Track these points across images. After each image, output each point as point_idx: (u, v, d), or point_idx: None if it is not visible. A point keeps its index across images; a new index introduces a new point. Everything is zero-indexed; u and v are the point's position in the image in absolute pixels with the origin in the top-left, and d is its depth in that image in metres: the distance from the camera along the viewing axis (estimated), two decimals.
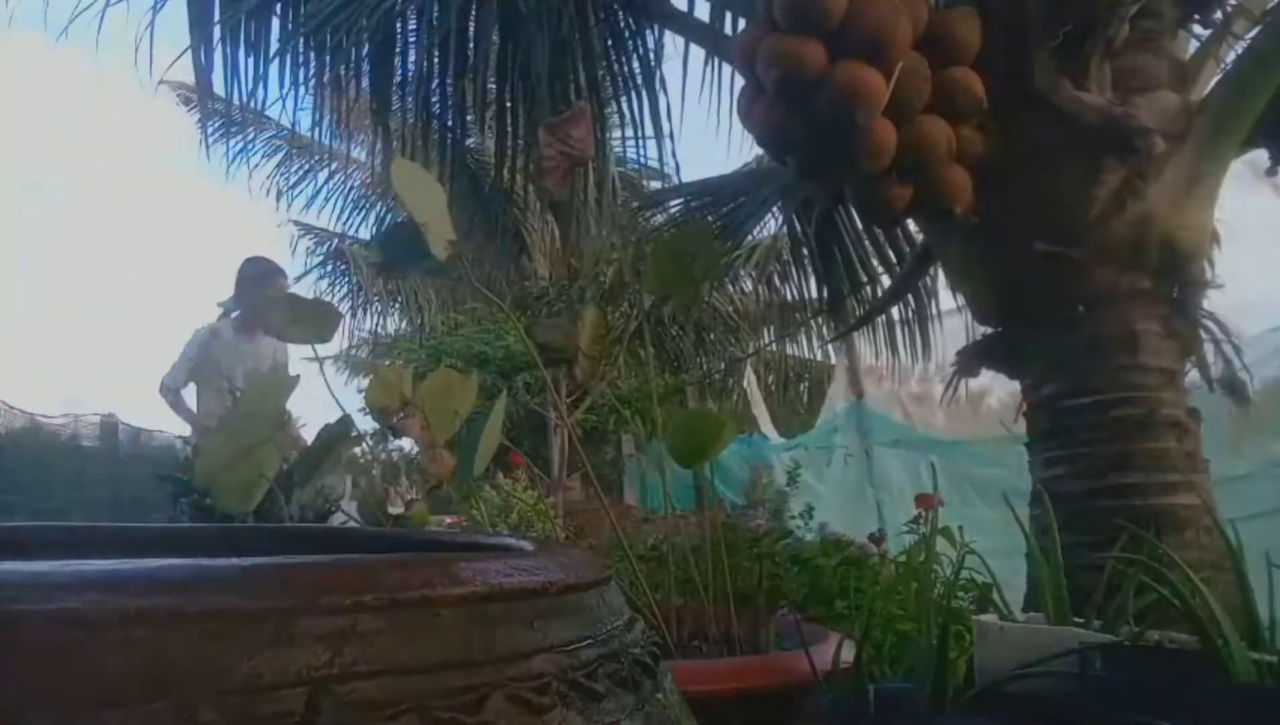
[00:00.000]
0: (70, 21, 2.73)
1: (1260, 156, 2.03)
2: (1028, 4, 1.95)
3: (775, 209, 4.00)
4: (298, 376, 1.46)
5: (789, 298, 5.92)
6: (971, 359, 2.23)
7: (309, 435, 1.81)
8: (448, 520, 3.69)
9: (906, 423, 6.57)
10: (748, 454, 6.62)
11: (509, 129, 3.31)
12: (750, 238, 5.32)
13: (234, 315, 4.36)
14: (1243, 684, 1.14)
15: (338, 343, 11.77)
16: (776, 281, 6.09)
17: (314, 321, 1.55)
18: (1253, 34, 2.00)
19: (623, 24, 3.14)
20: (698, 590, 1.77)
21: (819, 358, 9.54)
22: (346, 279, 11.31)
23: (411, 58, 3.33)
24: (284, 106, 3.16)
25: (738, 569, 1.91)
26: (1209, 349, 1.93)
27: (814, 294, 4.29)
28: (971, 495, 4.65)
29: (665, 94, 3.17)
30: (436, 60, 3.26)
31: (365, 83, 3.36)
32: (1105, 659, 1.22)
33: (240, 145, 8.87)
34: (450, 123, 3.51)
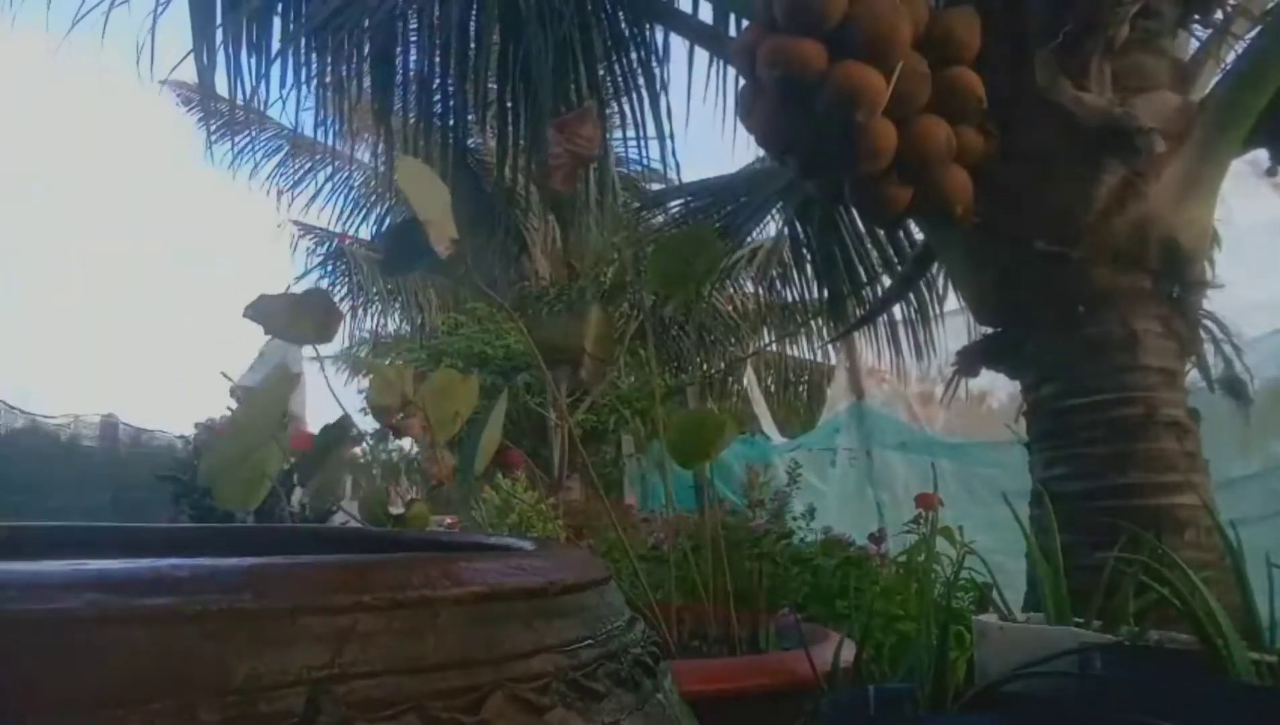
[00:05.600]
0: (74, 24, 2.74)
1: (1260, 156, 2.03)
2: (1028, 4, 1.95)
3: (776, 209, 4.00)
4: (298, 376, 1.46)
5: (789, 298, 5.93)
6: (972, 359, 2.23)
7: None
8: (448, 520, 3.69)
9: (910, 423, 6.57)
10: (749, 454, 6.61)
11: (510, 129, 3.31)
12: (751, 238, 5.32)
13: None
14: (1243, 684, 1.14)
15: (338, 343, 11.78)
16: (777, 282, 6.09)
17: (314, 321, 1.55)
18: (1253, 34, 2.00)
19: (623, 24, 3.14)
20: (698, 590, 1.77)
21: (818, 358, 9.54)
22: (347, 279, 11.30)
23: (413, 58, 3.33)
24: (285, 107, 3.16)
25: (738, 569, 1.92)
26: (1209, 349, 1.93)
27: (814, 294, 4.30)
28: (974, 495, 4.64)
29: (666, 94, 3.17)
30: (438, 60, 3.26)
31: (367, 83, 3.36)
32: (1105, 659, 1.22)
33: (240, 145, 8.88)
34: (452, 123, 3.51)
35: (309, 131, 4.44)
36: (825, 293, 3.83)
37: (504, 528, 3.10)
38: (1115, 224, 1.90)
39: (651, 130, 3.22)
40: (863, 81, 1.75)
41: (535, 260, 10.50)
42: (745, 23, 2.50)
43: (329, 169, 10.46)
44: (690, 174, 4.49)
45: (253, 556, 0.42)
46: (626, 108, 3.30)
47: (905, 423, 6.55)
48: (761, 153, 3.65)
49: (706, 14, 2.93)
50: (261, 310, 1.50)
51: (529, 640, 0.43)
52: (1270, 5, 2.07)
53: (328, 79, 3.17)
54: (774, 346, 9.99)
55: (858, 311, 3.85)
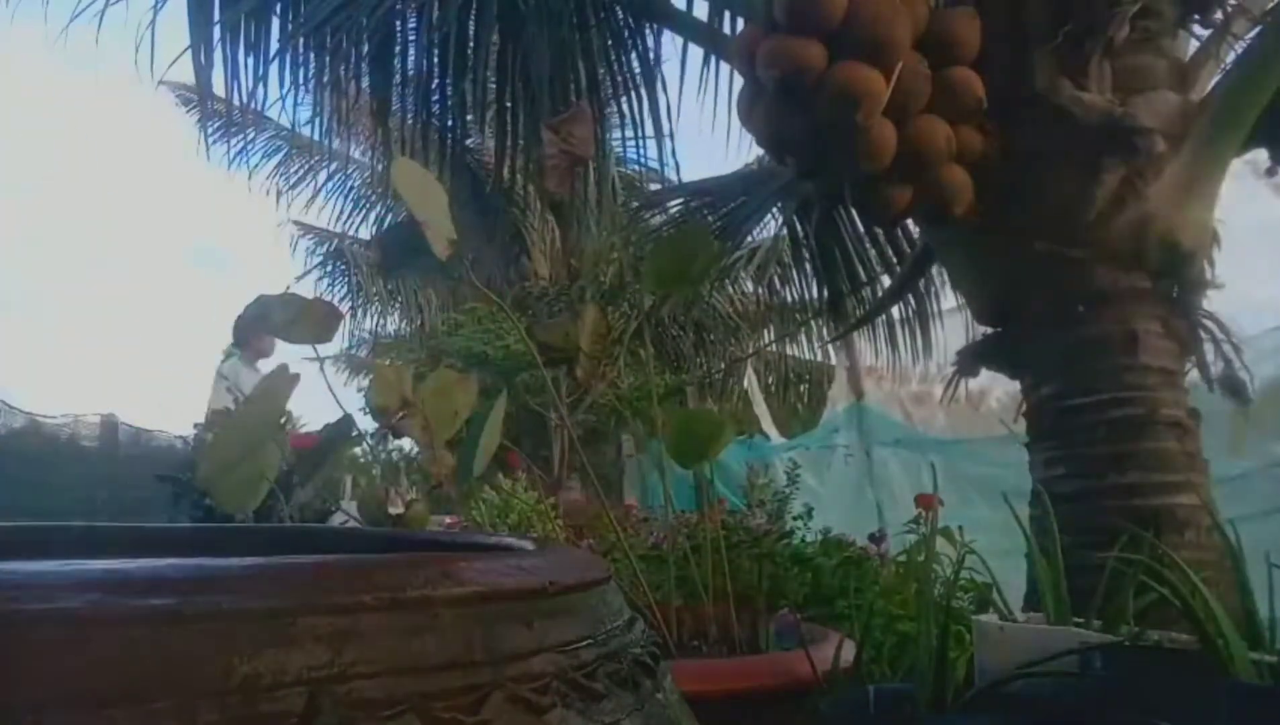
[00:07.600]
0: (70, 21, 2.73)
1: (1260, 156, 2.03)
2: (1028, 4, 1.95)
3: (775, 209, 4.00)
4: (298, 376, 1.46)
5: (789, 298, 5.93)
6: (971, 359, 2.23)
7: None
8: (447, 520, 3.69)
9: (907, 423, 6.56)
10: (748, 455, 6.61)
11: (509, 129, 3.31)
12: (750, 238, 5.31)
13: (236, 356, 5.15)
14: (1243, 684, 1.14)
15: (338, 343, 11.77)
16: (777, 282, 6.09)
17: (314, 321, 1.55)
18: (1253, 34, 2.00)
19: (622, 24, 3.14)
20: (698, 590, 1.77)
21: (819, 358, 9.53)
22: (346, 279, 11.30)
23: (411, 58, 3.33)
24: (284, 107, 3.16)
25: (738, 569, 1.92)
26: (1209, 349, 1.93)
27: (814, 294, 4.29)
28: (972, 495, 4.64)
29: (665, 94, 3.17)
30: (436, 60, 3.26)
31: (365, 83, 3.36)
32: (1105, 659, 1.22)
33: (240, 145, 8.86)
34: (450, 123, 3.50)
35: (307, 132, 4.44)
36: (825, 293, 3.83)
37: (504, 528, 3.10)
38: (1115, 224, 1.90)
39: (650, 130, 3.23)
40: (862, 82, 1.75)
41: (535, 260, 10.49)
42: (745, 22, 2.50)
43: (328, 169, 10.45)
44: (690, 174, 4.48)
45: (253, 556, 0.42)
46: (626, 107, 3.30)
47: (903, 423, 6.55)
48: (761, 153, 3.65)
49: (703, 13, 2.93)
50: (261, 310, 1.50)
51: (529, 640, 0.43)
52: (1270, 5, 2.07)
53: (326, 78, 3.17)
54: (774, 346, 9.99)
55: (857, 311, 3.85)
